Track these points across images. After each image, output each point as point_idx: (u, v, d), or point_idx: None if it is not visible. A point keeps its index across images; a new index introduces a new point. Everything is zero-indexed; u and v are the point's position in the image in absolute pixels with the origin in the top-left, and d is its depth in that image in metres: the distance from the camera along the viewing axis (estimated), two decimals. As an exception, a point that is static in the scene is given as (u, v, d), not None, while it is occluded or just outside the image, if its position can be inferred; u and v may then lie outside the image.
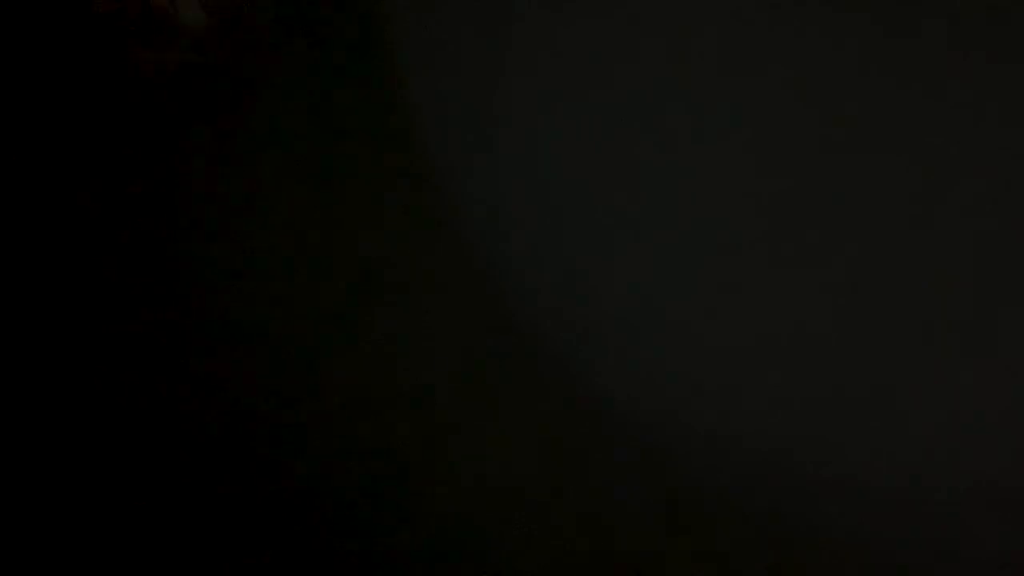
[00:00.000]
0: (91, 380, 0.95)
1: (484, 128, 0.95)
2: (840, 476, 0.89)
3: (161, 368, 0.94)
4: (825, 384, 0.90)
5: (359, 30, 0.97)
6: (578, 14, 0.94)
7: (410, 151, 0.95)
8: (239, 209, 0.96)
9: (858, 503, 0.89)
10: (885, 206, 0.91)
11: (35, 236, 0.96)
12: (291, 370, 0.94)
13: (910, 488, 0.89)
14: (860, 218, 0.91)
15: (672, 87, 0.93)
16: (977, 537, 0.88)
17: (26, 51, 0.95)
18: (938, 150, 0.91)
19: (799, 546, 0.89)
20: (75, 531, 0.94)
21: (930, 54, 0.91)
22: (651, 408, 0.91)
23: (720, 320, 0.91)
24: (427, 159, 0.95)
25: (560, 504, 0.91)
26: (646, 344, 0.92)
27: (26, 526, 0.94)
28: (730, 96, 0.93)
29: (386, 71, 0.96)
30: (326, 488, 0.93)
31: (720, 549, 0.90)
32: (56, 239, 0.96)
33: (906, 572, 0.88)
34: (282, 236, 0.95)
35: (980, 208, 0.90)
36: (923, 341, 0.89)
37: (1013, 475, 0.88)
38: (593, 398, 0.92)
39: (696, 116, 0.93)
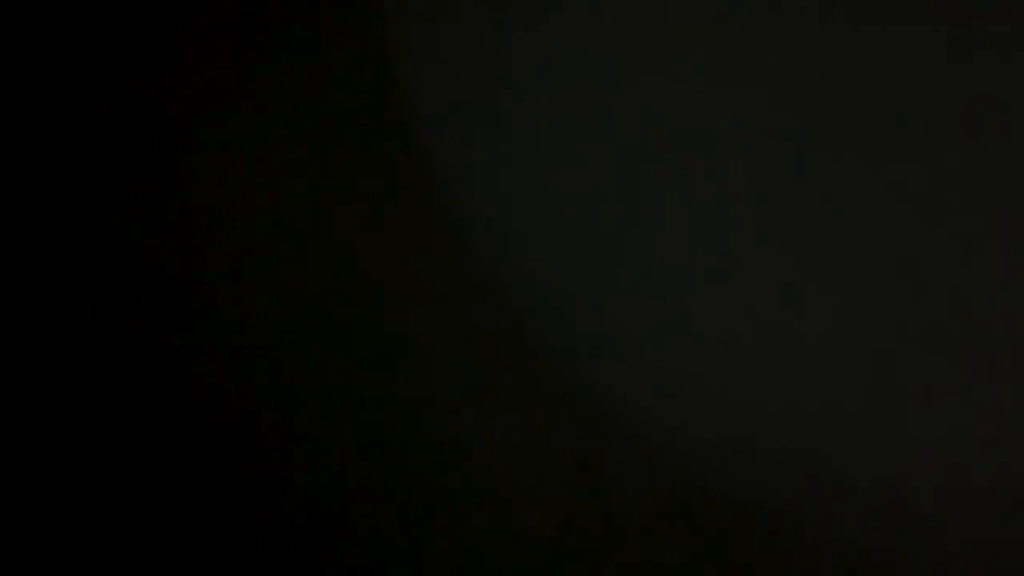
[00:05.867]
0: (90, 379, 0.95)
1: (486, 130, 0.95)
2: (841, 476, 0.89)
3: (160, 368, 0.94)
4: (826, 387, 0.90)
5: (359, 31, 0.97)
6: (580, 16, 0.94)
7: (412, 153, 0.95)
8: (239, 211, 0.96)
9: (858, 503, 0.89)
10: (888, 209, 0.91)
11: (34, 233, 0.96)
12: (291, 372, 0.94)
13: (909, 488, 0.89)
14: (865, 222, 0.91)
15: (675, 91, 0.93)
16: (976, 537, 0.88)
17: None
18: (939, 151, 0.91)
19: (800, 546, 0.89)
20: (75, 531, 0.94)
21: (929, 56, 0.91)
22: (653, 409, 0.91)
23: (723, 324, 0.91)
24: (429, 161, 0.95)
25: (562, 505, 0.91)
26: (649, 346, 0.92)
27: (26, 526, 0.94)
28: (733, 99, 0.93)
29: (388, 73, 0.96)
30: (325, 488, 0.93)
31: (721, 549, 0.90)
32: (54, 237, 0.96)
33: (905, 572, 0.89)
34: (282, 238, 0.95)
35: (981, 209, 0.90)
36: (924, 343, 0.90)
37: (1012, 476, 0.88)
38: (596, 399, 0.92)
39: (699, 119, 0.93)
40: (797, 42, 0.92)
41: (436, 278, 0.94)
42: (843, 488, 0.89)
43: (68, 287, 0.96)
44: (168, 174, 0.96)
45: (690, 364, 0.91)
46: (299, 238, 0.95)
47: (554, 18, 0.94)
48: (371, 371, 0.93)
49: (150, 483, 0.94)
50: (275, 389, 0.94)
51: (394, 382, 0.93)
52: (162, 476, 0.94)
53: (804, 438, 0.90)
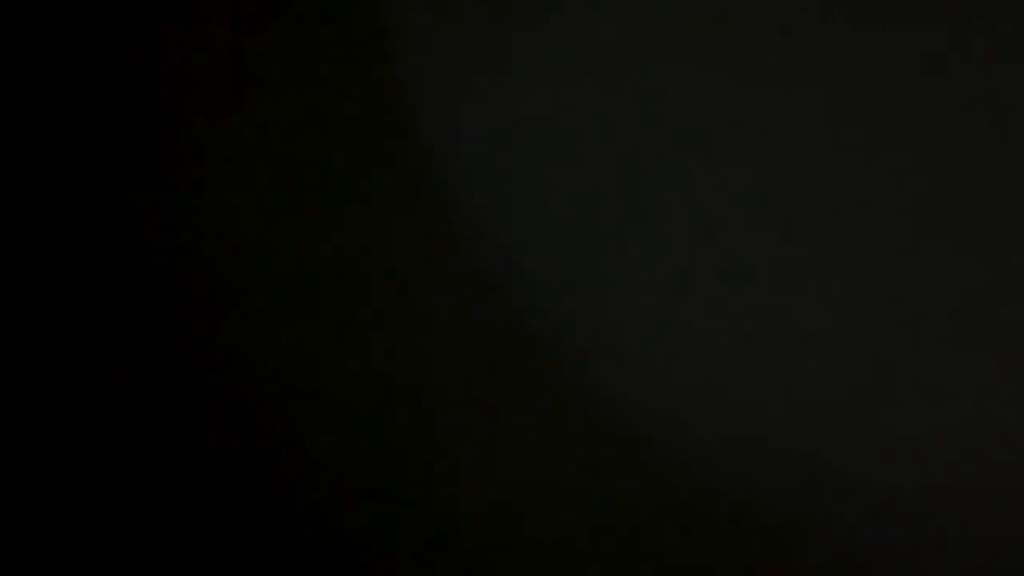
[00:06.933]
0: (88, 381, 0.95)
1: (486, 130, 0.95)
2: (841, 476, 0.89)
3: (160, 369, 0.94)
4: (827, 387, 0.90)
5: (359, 30, 0.97)
6: (580, 16, 0.94)
7: (412, 153, 0.95)
8: (237, 211, 0.96)
9: (859, 503, 0.89)
10: (889, 209, 0.91)
11: (32, 235, 0.96)
12: (290, 372, 0.94)
13: (909, 488, 0.89)
14: (866, 222, 0.91)
15: (675, 90, 0.93)
16: (976, 537, 0.88)
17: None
18: (940, 151, 0.91)
19: (799, 546, 0.89)
20: (75, 531, 0.94)
21: (929, 55, 0.91)
22: (653, 409, 0.91)
23: (724, 324, 0.91)
24: (429, 161, 0.95)
25: (562, 505, 0.91)
26: (649, 346, 0.92)
27: (26, 526, 0.94)
28: (734, 99, 0.93)
29: (388, 73, 0.96)
30: (324, 489, 0.93)
31: (721, 549, 0.90)
32: (52, 239, 0.96)
33: (905, 572, 0.89)
34: (281, 239, 0.95)
35: (982, 209, 0.90)
36: (924, 344, 0.90)
37: (1012, 476, 0.88)
38: (596, 399, 0.92)
39: (699, 119, 0.93)
40: (797, 42, 0.92)
41: (436, 278, 0.94)
42: (843, 488, 0.89)
43: (66, 288, 0.95)
44: (166, 174, 0.96)
45: (690, 364, 0.91)
46: (298, 238, 0.95)
47: (554, 18, 0.94)
48: (370, 371, 0.93)
49: (148, 482, 0.94)
50: (274, 389, 0.94)
51: (394, 382, 0.93)
52: (160, 475, 0.94)
53: (804, 438, 0.90)
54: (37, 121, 0.97)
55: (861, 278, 0.90)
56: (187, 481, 0.93)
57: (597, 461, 0.91)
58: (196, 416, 0.94)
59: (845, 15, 0.92)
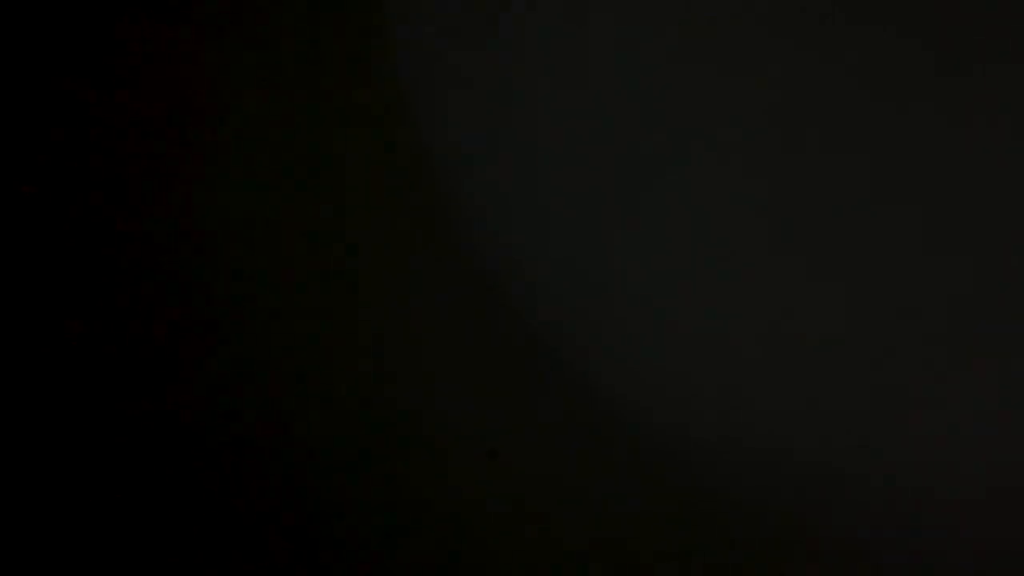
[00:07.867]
0: (85, 382, 0.95)
1: (486, 130, 0.95)
2: (841, 477, 0.89)
3: (155, 370, 0.94)
4: (827, 387, 0.90)
5: (359, 29, 0.97)
6: (580, 15, 0.94)
7: (412, 153, 0.95)
8: (235, 210, 0.95)
9: (859, 503, 0.89)
10: (889, 209, 0.91)
11: (32, 235, 0.96)
12: (289, 372, 0.94)
13: (910, 488, 0.89)
14: (866, 222, 0.91)
15: (675, 90, 0.93)
16: (976, 537, 0.88)
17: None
18: (941, 152, 0.91)
19: (799, 546, 0.90)
20: (75, 531, 0.94)
21: (930, 57, 0.91)
22: (653, 409, 0.91)
23: (724, 324, 0.91)
24: (430, 161, 0.95)
25: (562, 505, 0.91)
26: (649, 346, 0.92)
27: (26, 526, 0.94)
28: (735, 97, 0.93)
29: (388, 70, 0.96)
30: (323, 489, 0.93)
31: (722, 549, 0.90)
32: (51, 239, 0.96)
33: (905, 572, 0.89)
34: (281, 238, 0.95)
35: (981, 210, 0.90)
36: (925, 344, 0.90)
37: (1013, 476, 0.88)
38: (596, 399, 0.92)
39: (700, 119, 0.93)
40: (797, 42, 0.92)
41: (436, 278, 0.94)
42: (843, 488, 0.89)
43: (66, 287, 0.95)
44: (165, 173, 0.96)
45: (690, 364, 0.91)
46: (298, 238, 0.95)
47: (554, 18, 0.94)
48: (369, 371, 0.93)
49: (148, 483, 0.94)
50: (273, 389, 0.94)
51: (394, 382, 0.93)
52: (160, 476, 0.94)
53: (804, 438, 0.90)
54: (37, 121, 0.97)
55: (862, 279, 0.91)
56: (187, 482, 0.93)
57: (597, 462, 0.91)
58: (186, 417, 0.94)
59: (845, 15, 0.92)
